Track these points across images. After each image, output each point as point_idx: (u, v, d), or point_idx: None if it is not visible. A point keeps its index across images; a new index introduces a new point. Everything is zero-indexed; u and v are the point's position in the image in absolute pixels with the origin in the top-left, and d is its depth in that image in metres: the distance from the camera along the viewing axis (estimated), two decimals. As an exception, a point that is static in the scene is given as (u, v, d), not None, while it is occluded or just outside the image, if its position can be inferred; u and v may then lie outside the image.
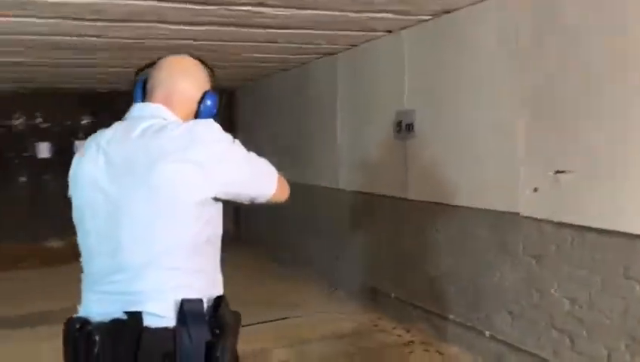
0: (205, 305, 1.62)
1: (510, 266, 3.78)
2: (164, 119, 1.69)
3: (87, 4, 3.66)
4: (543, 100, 3.48)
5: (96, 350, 1.53)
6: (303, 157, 6.79)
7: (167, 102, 1.73)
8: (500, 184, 3.82)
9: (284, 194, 1.86)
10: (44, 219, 8.15)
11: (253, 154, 1.77)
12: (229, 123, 8.97)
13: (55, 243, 8.19)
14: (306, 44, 5.32)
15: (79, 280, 1.73)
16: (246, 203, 1.78)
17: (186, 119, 1.73)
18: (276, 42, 5.21)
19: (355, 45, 5.45)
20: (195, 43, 4.97)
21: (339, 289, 5.88)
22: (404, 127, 4.84)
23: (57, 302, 5.54)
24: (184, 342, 1.54)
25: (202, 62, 1.85)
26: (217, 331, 1.59)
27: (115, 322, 1.55)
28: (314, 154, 6.55)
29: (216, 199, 1.65)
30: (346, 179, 5.87)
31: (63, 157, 8.02)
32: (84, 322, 1.58)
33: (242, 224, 8.92)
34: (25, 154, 8.12)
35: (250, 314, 5.08)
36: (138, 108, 1.74)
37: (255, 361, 4.13)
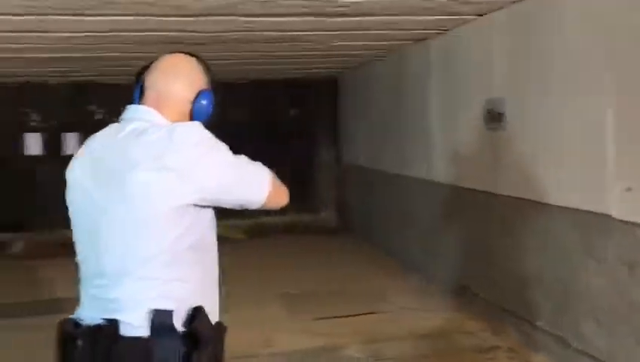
0: (184, 315, 1.57)
1: (598, 272, 3.39)
2: (150, 122, 1.65)
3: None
4: (637, 90, 3.06)
5: (76, 354, 1.54)
6: (398, 147, 6.60)
7: (158, 105, 1.69)
8: (587, 181, 3.43)
9: (279, 200, 1.77)
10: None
11: (242, 159, 1.69)
12: (333, 110, 8.98)
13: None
14: (396, 30, 5.13)
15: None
16: (236, 208, 1.70)
17: (179, 120, 1.69)
18: (368, 30, 5.07)
19: (447, 30, 5.17)
20: (280, 34, 4.98)
21: (432, 284, 5.66)
22: (494, 116, 4.51)
23: None
24: (157, 354, 1.51)
25: (198, 59, 1.79)
26: (193, 343, 1.53)
27: (95, 328, 1.55)
28: (407, 144, 6.34)
29: (198, 205, 1.59)
30: (438, 171, 5.62)
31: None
32: (74, 324, 1.60)
33: (345, 213, 8.91)
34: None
35: (333, 306, 5.13)
36: (130, 111, 1.72)
37: (324, 357, 4.09)
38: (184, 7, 3.92)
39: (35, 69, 6.72)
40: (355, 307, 5.20)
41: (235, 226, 8.69)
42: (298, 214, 9.19)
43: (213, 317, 1.66)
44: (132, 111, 1.70)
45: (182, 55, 1.78)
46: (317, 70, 7.93)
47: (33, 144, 8.27)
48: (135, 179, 1.54)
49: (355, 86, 8.24)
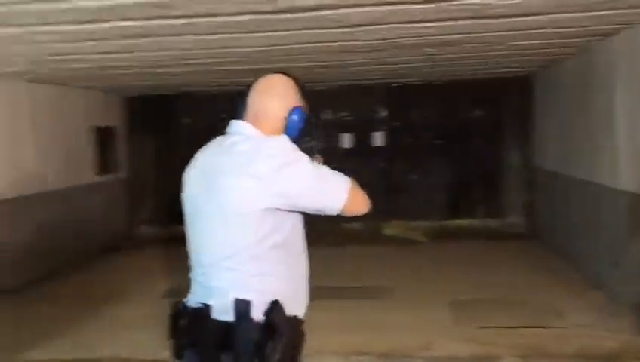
0: (264, 307, 1.76)
1: None
2: (245, 135, 1.88)
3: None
4: None
5: (180, 330, 1.84)
6: (583, 151, 6.12)
7: (255, 120, 1.92)
8: None
9: (357, 208, 1.93)
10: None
11: (322, 169, 1.86)
12: (524, 110, 8.58)
13: (355, 225, 9.05)
14: (575, 27, 4.80)
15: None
16: (312, 213, 1.87)
17: (274, 134, 1.90)
18: (543, 29, 4.83)
19: (633, 24, 4.70)
20: (451, 37, 4.96)
21: (615, 301, 5.18)
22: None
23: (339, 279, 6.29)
24: (237, 338, 1.74)
25: (292, 78, 1.99)
26: (269, 332, 1.73)
27: (194, 310, 1.84)
28: (593, 148, 5.85)
29: (281, 209, 1.78)
30: (625, 178, 5.11)
31: (362, 148, 8.94)
32: (183, 306, 1.90)
33: (534, 219, 8.47)
34: (332, 144, 9.14)
35: (502, 315, 4.97)
36: (233, 125, 1.97)
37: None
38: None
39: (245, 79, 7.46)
40: (525, 318, 4.99)
41: (416, 228, 8.77)
42: (484, 218, 8.98)
43: (295, 311, 1.84)
44: (234, 125, 1.96)
45: (277, 76, 1.99)
46: (505, 70, 7.66)
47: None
48: (226, 184, 1.79)
49: (546, 85, 7.79)
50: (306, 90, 2.03)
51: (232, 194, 1.78)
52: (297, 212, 1.88)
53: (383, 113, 9.09)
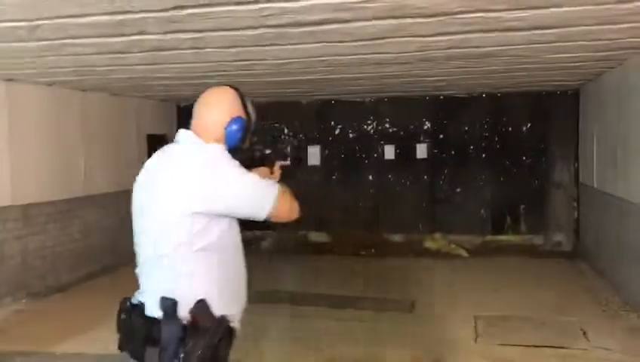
0: (189, 306, 1.87)
1: None
2: (186, 144, 2.03)
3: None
4: None
5: (123, 325, 1.98)
6: (623, 170, 5.90)
7: (199, 130, 2.06)
8: None
9: (284, 215, 2.00)
10: (385, 215, 9.12)
11: (250, 178, 1.95)
12: (572, 125, 8.33)
13: (396, 238, 9.06)
14: (618, 39, 4.63)
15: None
16: (243, 218, 1.97)
17: (214, 142, 2.02)
18: (587, 40, 4.67)
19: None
20: (494, 49, 4.88)
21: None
22: None
23: (369, 289, 6.34)
24: (163, 334, 1.85)
25: (236, 90, 2.10)
26: (192, 330, 1.84)
27: (133, 306, 1.99)
28: (632, 168, 5.62)
29: (208, 215, 1.88)
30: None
31: (405, 159, 8.94)
32: (127, 302, 2.03)
33: (580, 238, 8.20)
34: (374, 155, 9.18)
35: (526, 334, 4.89)
36: (179, 134, 2.11)
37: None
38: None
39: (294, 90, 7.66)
40: (549, 338, 4.88)
41: (458, 242, 8.67)
42: (528, 235, 8.76)
43: (223, 310, 1.92)
44: (180, 135, 2.09)
45: (221, 88, 2.11)
46: (552, 83, 7.47)
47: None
48: (162, 188, 1.93)
49: (591, 99, 7.55)
50: (249, 101, 2.12)
51: (166, 197, 1.92)
52: (228, 219, 1.97)
53: (427, 125, 9.04)
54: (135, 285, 2.05)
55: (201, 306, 1.88)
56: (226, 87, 2.13)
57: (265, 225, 7.94)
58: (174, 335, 1.84)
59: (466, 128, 8.89)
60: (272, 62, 5.22)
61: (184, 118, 9.48)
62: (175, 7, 3.16)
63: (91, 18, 3.35)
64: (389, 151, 9.12)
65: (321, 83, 6.89)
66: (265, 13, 3.36)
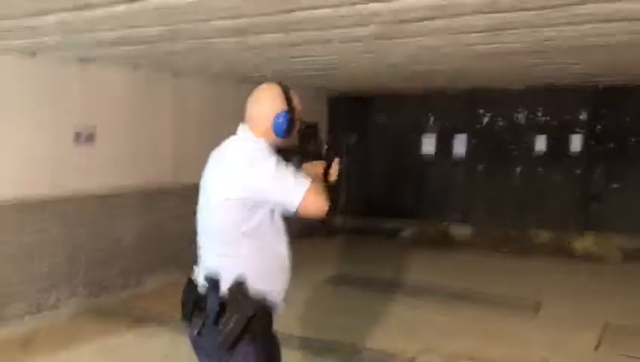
0: (229, 284, 2.15)
1: None
2: (239, 136, 2.31)
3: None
4: None
5: (183, 297, 2.34)
6: None
7: (250, 124, 2.31)
8: None
9: (311, 209, 2.14)
10: (533, 211, 8.75)
11: (284, 171, 2.13)
12: None
13: (543, 235, 8.65)
14: None
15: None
16: (281, 209, 2.20)
17: (264, 134, 2.27)
18: None
19: None
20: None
21: None
22: None
23: (499, 286, 6.25)
24: (208, 306, 2.17)
25: (283, 88, 2.30)
26: (228, 305, 2.14)
27: (191, 282, 2.34)
28: None
29: (248, 203, 2.13)
30: None
31: (557, 152, 8.46)
32: (189, 279, 2.37)
33: None
34: (523, 146, 8.82)
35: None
36: (238, 127, 2.36)
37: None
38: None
39: (440, 79, 7.66)
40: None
41: (611, 242, 8.08)
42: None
43: (261, 293, 2.17)
44: (239, 128, 2.35)
45: (267, 85, 2.32)
46: None
47: (428, 144, 9.43)
48: (214, 176, 2.24)
49: None
50: (295, 95, 2.32)
51: (215, 185, 2.21)
52: (270, 208, 2.19)
53: (584, 115, 8.46)
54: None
55: (238, 286, 2.14)
56: (271, 83, 2.34)
57: (407, 214, 8.17)
58: (214, 309, 2.14)
59: (627, 119, 8.17)
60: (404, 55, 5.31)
61: (334, 107, 10.01)
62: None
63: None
64: (540, 143, 8.67)
65: (459, 74, 6.81)
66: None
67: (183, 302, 2.31)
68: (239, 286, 2.15)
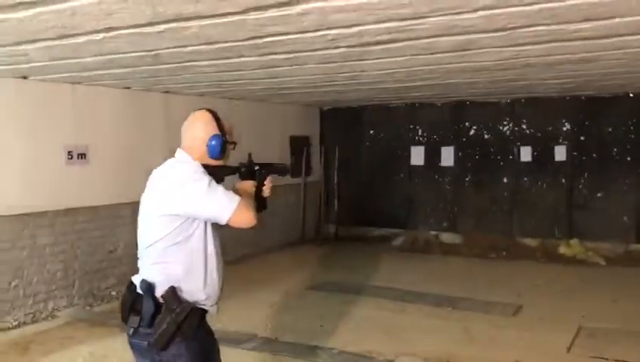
0: (163, 288, 2.36)
1: None
2: (176, 159, 2.54)
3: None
4: None
5: (122, 299, 2.56)
6: None
7: (186, 147, 2.55)
8: None
9: (240, 222, 2.38)
10: (520, 219, 8.96)
11: (217, 189, 2.36)
12: None
13: (528, 241, 8.86)
14: None
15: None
16: (212, 222, 2.43)
17: (200, 157, 2.50)
18: None
19: None
20: None
21: None
22: None
23: (482, 291, 6.44)
24: (143, 308, 2.39)
25: (211, 113, 2.55)
26: (161, 307, 2.35)
27: (130, 284, 2.54)
28: None
29: (182, 216, 2.37)
30: None
31: (542, 162, 8.67)
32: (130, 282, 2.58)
33: None
34: (509, 158, 9.03)
35: (623, 348, 4.73)
36: (177, 151, 2.60)
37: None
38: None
39: (423, 93, 7.87)
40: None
41: (596, 249, 8.27)
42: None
43: (193, 298, 2.41)
44: (177, 152, 2.59)
45: (200, 112, 2.58)
46: None
47: (417, 155, 9.66)
48: (151, 193, 2.48)
49: None
50: (224, 121, 2.58)
51: (152, 201, 2.45)
52: (202, 222, 2.42)
53: (567, 126, 8.67)
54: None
55: (170, 291, 2.36)
56: (202, 110, 2.60)
57: (397, 223, 8.39)
58: (149, 310, 2.37)
59: (610, 130, 8.38)
60: (376, 73, 5.57)
61: (327, 120, 10.29)
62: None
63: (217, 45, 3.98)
64: (526, 153, 8.90)
65: (446, 87, 7.03)
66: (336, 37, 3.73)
67: (121, 304, 2.53)
68: (172, 291, 2.36)
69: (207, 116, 2.56)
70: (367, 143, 10.10)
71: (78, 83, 5.97)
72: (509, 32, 3.67)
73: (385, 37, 3.75)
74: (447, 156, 9.40)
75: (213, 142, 2.50)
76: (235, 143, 2.61)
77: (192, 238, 2.42)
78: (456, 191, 9.42)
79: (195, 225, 2.41)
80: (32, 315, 5.71)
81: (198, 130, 2.53)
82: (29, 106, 5.63)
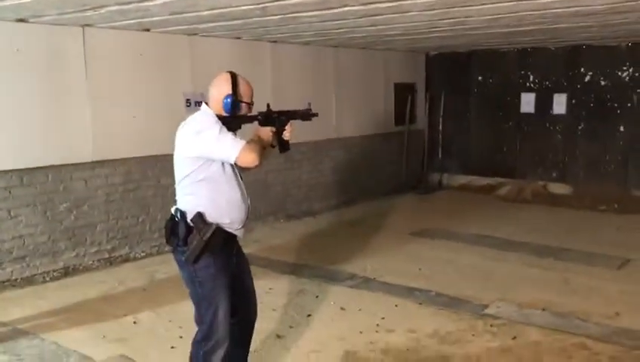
0: (192, 215, 2.85)
1: None
2: (201, 110, 3.02)
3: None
4: None
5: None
6: None
7: (209, 101, 3.00)
8: None
9: (246, 162, 2.81)
10: (635, 170, 8.52)
11: (226, 135, 2.81)
12: None
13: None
14: None
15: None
16: (224, 161, 2.86)
17: (217, 110, 2.94)
18: None
19: None
20: None
21: None
22: None
23: (584, 244, 6.44)
24: (178, 230, 2.90)
25: (232, 76, 2.96)
26: (191, 228, 2.86)
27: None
28: None
29: (202, 157, 2.83)
30: None
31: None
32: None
33: None
34: (628, 105, 8.52)
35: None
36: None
37: None
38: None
39: (535, 37, 7.61)
40: None
41: None
42: None
43: (217, 221, 2.86)
44: (202, 104, 3.04)
45: (222, 74, 3.01)
46: None
47: (527, 103, 9.35)
48: (178, 139, 2.93)
49: None
50: (242, 81, 2.98)
51: (179, 144, 2.92)
52: (221, 163, 2.87)
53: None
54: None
55: (197, 216, 2.86)
56: (225, 72, 3.02)
57: (504, 173, 8.41)
58: (183, 231, 2.88)
59: None
60: (482, 19, 5.48)
61: (433, 66, 10.16)
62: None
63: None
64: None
65: (558, 31, 6.74)
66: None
67: (164, 228, 3.05)
68: (199, 215, 2.86)
69: (226, 77, 2.99)
70: (475, 90, 9.90)
71: (195, 34, 6.37)
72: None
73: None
74: (560, 103, 9.03)
75: (227, 100, 2.94)
76: (249, 103, 3.01)
77: (212, 176, 2.89)
78: (568, 140, 9.08)
79: (214, 165, 2.88)
80: (156, 248, 6.36)
81: (216, 88, 2.99)
82: (152, 56, 6.13)
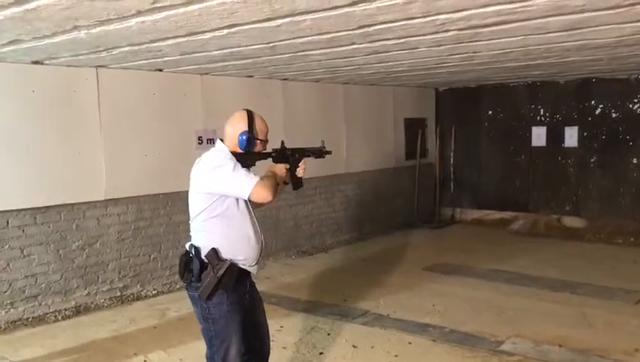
0: (206, 251, 2.90)
1: None
2: (215, 148, 3.08)
3: None
4: None
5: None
6: None
7: (225, 139, 3.07)
8: None
9: (260, 198, 2.84)
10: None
11: (240, 171, 2.86)
12: None
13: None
14: None
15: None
16: (238, 198, 2.91)
17: (232, 147, 3.01)
18: None
19: None
20: None
21: None
22: None
23: (600, 279, 6.34)
24: (192, 265, 2.95)
25: (248, 112, 3.05)
26: (205, 265, 2.91)
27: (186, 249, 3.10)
28: None
29: (215, 194, 2.88)
30: None
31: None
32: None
33: None
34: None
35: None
36: (217, 141, 3.14)
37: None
38: None
39: (544, 71, 7.62)
40: None
41: None
42: None
43: (230, 257, 2.90)
44: (217, 143, 3.10)
45: (237, 112, 3.08)
46: None
47: (538, 136, 9.34)
48: (193, 176, 2.99)
49: None
50: (258, 119, 3.07)
51: (194, 181, 2.98)
52: (235, 200, 2.91)
53: None
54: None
55: (212, 252, 2.90)
56: (241, 111, 3.09)
57: (516, 207, 8.34)
58: (197, 267, 2.91)
59: None
60: (491, 53, 5.52)
61: (444, 101, 10.22)
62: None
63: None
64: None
65: (566, 65, 6.76)
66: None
67: (179, 264, 3.06)
68: (213, 251, 2.90)
69: (242, 115, 3.06)
70: (486, 124, 9.91)
71: (206, 73, 6.47)
72: (627, 8, 3.55)
73: (494, 19, 3.76)
74: (571, 136, 9.00)
75: (242, 137, 3.01)
76: (264, 141, 3.07)
77: (227, 212, 2.92)
78: (580, 173, 9.02)
79: (228, 201, 2.91)
80: (168, 285, 6.34)
81: (232, 126, 3.05)
82: (164, 95, 6.22)
